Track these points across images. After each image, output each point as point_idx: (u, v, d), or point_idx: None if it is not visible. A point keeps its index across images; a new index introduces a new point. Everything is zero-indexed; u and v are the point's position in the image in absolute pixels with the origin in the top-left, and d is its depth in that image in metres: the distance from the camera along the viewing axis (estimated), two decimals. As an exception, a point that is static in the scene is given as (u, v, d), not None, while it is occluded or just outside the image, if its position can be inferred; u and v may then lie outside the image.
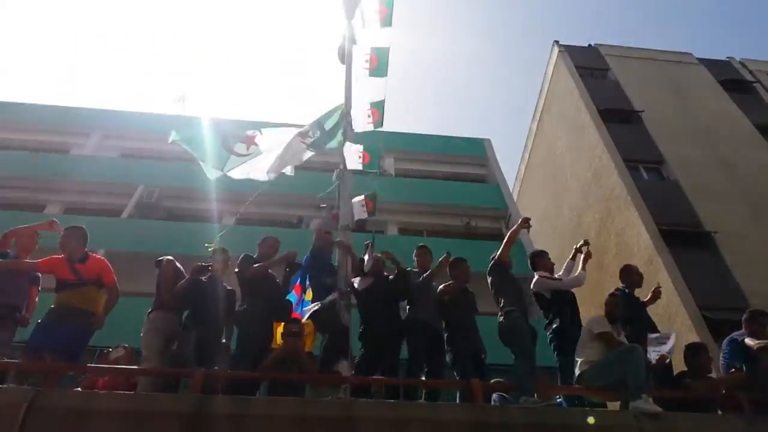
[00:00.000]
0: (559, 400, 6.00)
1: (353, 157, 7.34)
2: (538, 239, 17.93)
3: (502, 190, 18.94)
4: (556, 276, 6.74)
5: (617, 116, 19.80)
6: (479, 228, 17.88)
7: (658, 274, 14.37)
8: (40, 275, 5.99)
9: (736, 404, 5.48)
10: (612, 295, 6.22)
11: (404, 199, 17.73)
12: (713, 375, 6.23)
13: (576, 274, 6.76)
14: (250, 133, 6.82)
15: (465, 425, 4.75)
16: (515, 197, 22.59)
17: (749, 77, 22.69)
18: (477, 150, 20.71)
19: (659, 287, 7.02)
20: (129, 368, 5.73)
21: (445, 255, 6.38)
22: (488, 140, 21.04)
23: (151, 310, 5.86)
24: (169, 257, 6.33)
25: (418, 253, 6.92)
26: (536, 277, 6.59)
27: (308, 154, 7.06)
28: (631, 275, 6.89)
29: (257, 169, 6.68)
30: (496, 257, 6.59)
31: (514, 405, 5.25)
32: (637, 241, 16.30)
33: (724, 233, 15.68)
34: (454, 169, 20.14)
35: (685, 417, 5.21)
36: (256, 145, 6.73)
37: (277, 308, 6.09)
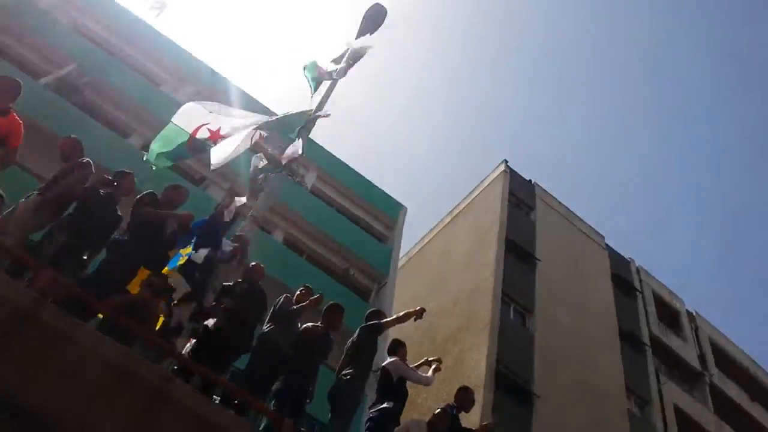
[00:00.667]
0: None
1: (292, 150, 7.46)
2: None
3: (392, 257, 19.32)
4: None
5: (518, 252, 20.84)
6: (355, 279, 18.08)
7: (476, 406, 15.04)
8: None
9: None
10: (443, 410, 6.49)
11: (304, 215, 17.75)
12: None
13: (429, 375, 7.00)
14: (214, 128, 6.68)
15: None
16: (396, 270, 23.06)
17: (637, 285, 24.65)
18: (391, 210, 21.08)
19: (487, 426, 7.34)
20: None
21: (319, 295, 6.46)
22: (406, 209, 21.49)
23: (38, 193, 5.50)
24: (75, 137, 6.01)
25: (302, 292, 6.83)
26: (395, 359, 6.73)
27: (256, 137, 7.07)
28: (467, 397, 7.13)
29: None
30: (380, 325, 6.65)
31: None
32: (473, 366, 17.00)
33: (545, 399, 16.68)
34: (363, 214, 20.37)
35: None
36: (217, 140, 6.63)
37: (153, 256, 5.92)
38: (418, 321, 6.77)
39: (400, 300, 18.55)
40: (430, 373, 7.01)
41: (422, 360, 7.25)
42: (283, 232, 17.72)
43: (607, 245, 24.95)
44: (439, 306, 20.06)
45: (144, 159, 6.66)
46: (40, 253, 5.16)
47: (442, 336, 19.05)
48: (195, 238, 6.36)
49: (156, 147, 6.55)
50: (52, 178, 5.65)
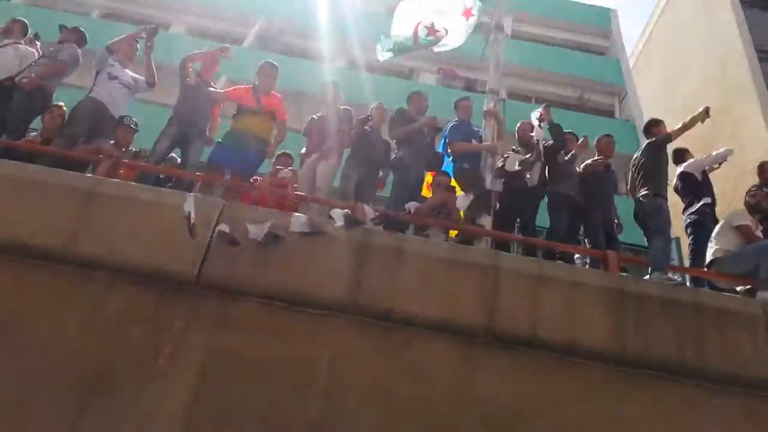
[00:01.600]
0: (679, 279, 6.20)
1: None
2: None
3: (622, 65, 18.11)
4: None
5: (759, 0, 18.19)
6: (591, 102, 17.37)
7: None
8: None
9: None
10: (758, 188, 6.20)
11: (517, 63, 17.24)
12: None
13: (720, 150, 6.73)
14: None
15: (602, 290, 5.03)
16: (629, 74, 21.55)
17: None
18: (601, 20, 19.61)
19: None
20: (300, 194, 6.19)
21: (584, 138, 6.44)
22: (614, 11, 19.80)
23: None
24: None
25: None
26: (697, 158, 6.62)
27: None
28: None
29: None
30: (667, 137, 6.31)
31: (649, 279, 5.48)
32: (753, 135, 15.58)
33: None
34: (574, 37, 19.26)
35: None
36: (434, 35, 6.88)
37: (429, 159, 6.42)
38: (679, 118, 6.40)
39: (645, 103, 17.46)
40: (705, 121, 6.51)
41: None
42: (504, 88, 17.46)
43: None
44: (688, 93, 18.50)
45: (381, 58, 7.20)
46: (344, 194, 5.90)
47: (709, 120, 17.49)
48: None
49: (383, 46, 7.07)
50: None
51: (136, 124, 6.24)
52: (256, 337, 4.57)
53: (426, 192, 6.28)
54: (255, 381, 4.38)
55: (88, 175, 5.23)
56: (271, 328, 4.63)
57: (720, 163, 6.80)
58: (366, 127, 6.32)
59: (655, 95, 20.58)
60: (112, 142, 6.05)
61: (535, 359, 4.74)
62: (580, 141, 6.51)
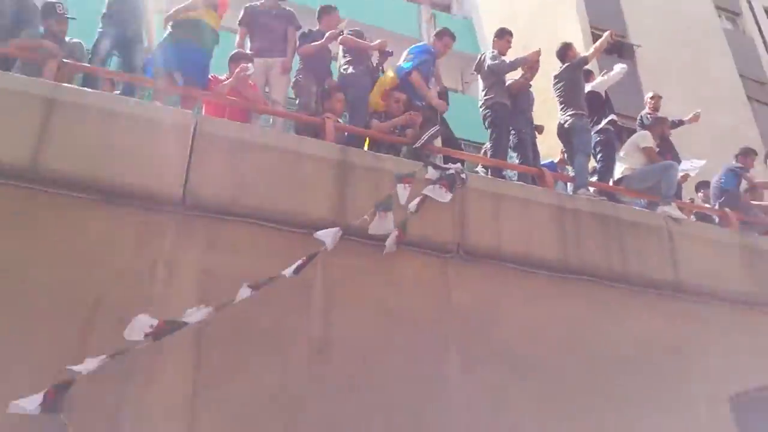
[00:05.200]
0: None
1: None
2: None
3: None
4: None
5: None
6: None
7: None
8: None
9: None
10: (663, 117, 6.91)
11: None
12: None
13: (617, 68, 7.27)
14: None
15: (549, 207, 5.47)
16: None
17: None
18: None
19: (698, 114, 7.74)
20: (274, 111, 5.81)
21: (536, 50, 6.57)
22: None
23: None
24: None
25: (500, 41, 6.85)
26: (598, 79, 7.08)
27: None
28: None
29: None
30: (580, 60, 6.62)
31: (576, 195, 5.98)
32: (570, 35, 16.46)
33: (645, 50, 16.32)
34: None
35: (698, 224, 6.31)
36: None
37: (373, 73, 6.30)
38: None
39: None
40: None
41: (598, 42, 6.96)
42: None
43: None
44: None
45: None
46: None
47: (524, 20, 17.84)
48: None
49: None
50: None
51: (67, 11, 5.30)
52: (249, 258, 4.42)
53: (376, 99, 6.10)
54: (255, 302, 4.28)
55: (43, 79, 4.46)
56: (263, 248, 4.49)
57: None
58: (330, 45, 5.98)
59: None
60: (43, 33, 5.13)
61: (498, 270, 5.12)
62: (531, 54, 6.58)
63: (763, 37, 19.76)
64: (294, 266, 4.14)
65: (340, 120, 5.63)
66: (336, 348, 4.37)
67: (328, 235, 4.28)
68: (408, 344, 4.52)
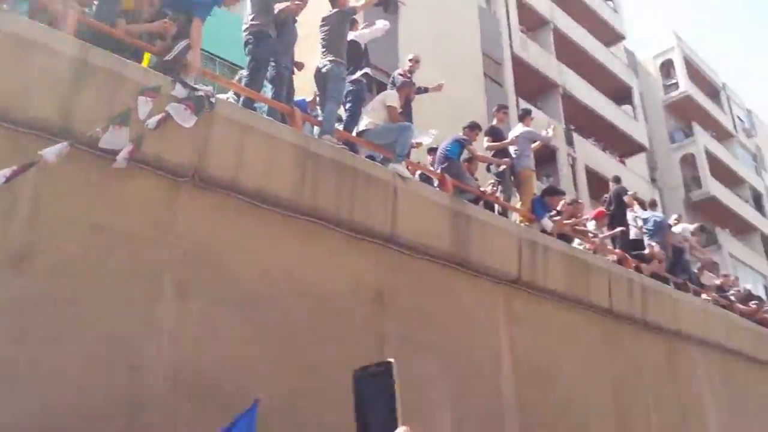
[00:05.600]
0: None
1: None
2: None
3: None
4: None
5: None
6: None
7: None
8: None
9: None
10: (412, 82, 7.34)
11: None
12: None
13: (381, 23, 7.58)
14: None
15: (291, 146, 5.53)
16: None
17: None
18: None
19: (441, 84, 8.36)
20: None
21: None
22: None
23: None
24: None
25: None
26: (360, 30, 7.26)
27: None
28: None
29: None
30: (351, 9, 6.71)
31: (324, 140, 6.12)
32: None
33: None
34: None
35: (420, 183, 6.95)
36: None
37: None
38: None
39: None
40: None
41: None
42: None
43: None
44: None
45: None
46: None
47: None
48: None
49: None
50: None
51: None
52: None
53: None
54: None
55: None
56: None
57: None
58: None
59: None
60: None
61: (231, 202, 5.08)
62: None
63: (508, 19, 22.12)
64: (6, 172, 3.63)
65: (86, 11, 4.96)
66: (38, 261, 3.98)
67: (52, 153, 3.81)
68: (120, 266, 4.30)
